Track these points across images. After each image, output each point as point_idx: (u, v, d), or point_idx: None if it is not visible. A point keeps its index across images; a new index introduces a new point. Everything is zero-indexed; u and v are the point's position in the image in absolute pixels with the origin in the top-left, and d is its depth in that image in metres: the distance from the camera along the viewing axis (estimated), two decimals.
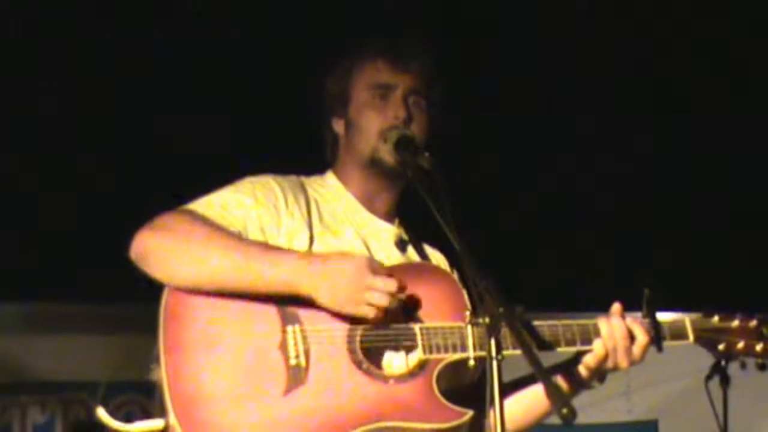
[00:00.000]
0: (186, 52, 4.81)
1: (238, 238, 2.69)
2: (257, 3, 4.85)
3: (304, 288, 2.62)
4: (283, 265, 2.63)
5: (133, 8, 4.70)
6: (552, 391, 2.34)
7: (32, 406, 5.23)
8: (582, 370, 2.81)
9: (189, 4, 4.81)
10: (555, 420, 2.39)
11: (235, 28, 4.87)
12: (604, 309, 2.83)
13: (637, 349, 2.77)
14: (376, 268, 2.65)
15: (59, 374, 5.24)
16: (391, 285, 2.63)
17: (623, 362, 2.77)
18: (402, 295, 2.66)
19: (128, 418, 2.72)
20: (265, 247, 2.70)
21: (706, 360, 4.76)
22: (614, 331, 2.76)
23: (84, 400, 5.19)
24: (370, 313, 2.62)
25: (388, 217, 2.97)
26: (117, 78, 4.79)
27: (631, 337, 2.77)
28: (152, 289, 2.67)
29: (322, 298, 2.62)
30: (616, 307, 2.82)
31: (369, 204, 2.95)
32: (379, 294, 2.61)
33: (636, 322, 2.80)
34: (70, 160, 4.91)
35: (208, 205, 2.77)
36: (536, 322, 2.76)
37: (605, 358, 2.77)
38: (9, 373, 5.20)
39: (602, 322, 2.77)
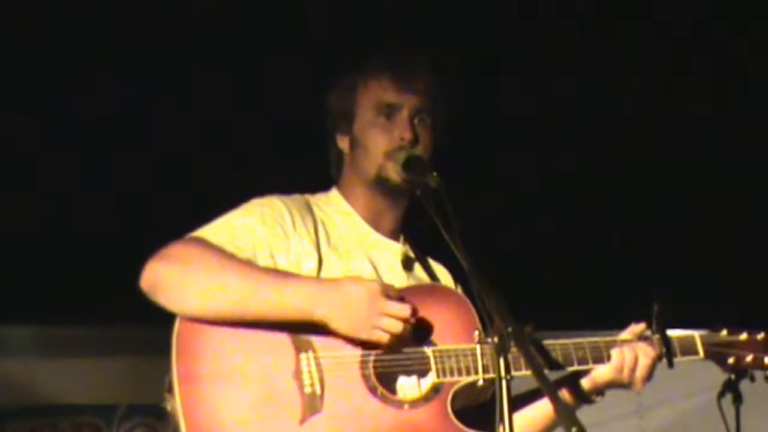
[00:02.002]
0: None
1: (249, 265, 2.68)
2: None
3: (318, 314, 2.61)
4: (296, 292, 2.62)
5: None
6: (562, 411, 2.34)
7: (44, 429, 5.23)
8: (585, 384, 2.81)
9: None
10: None
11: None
12: (609, 327, 2.84)
13: (640, 372, 2.79)
14: (388, 292, 2.65)
15: (71, 397, 5.24)
16: (405, 311, 2.63)
17: (631, 383, 2.79)
18: (414, 319, 2.65)
19: None
20: (276, 274, 2.69)
21: (718, 378, 4.75)
22: (624, 357, 2.78)
23: (96, 423, 5.19)
24: (384, 338, 2.62)
25: (394, 235, 2.96)
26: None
27: (638, 360, 2.79)
28: (165, 312, 2.67)
29: (335, 324, 2.61)
30: (634, 328, 2.85)
31: (375, 222, 2.94)
32: (392, 320, 2.61)
33: (645, 343, 2.81)
34: (86, 181, 4.92)
35: (217, 231, 2.76)
36: (547, 341, 2.76)
37: (613, 378, 2.79)
38: (21, 396, 5.21)
39: (614, 349, 2.79)
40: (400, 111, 2.89)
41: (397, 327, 2.61)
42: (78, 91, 4.70)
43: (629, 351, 2.79)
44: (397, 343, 2.64)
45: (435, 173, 2.76)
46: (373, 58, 2.97)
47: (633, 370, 2.78)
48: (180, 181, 4.91)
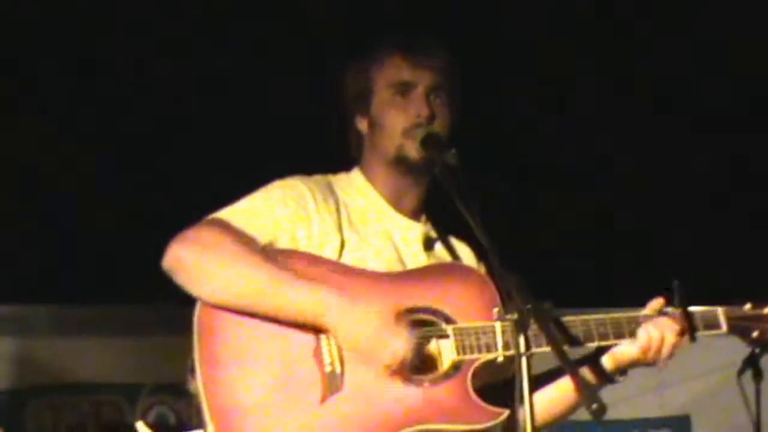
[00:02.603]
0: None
1: (264, 261, 2.67)
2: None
3: (326, 324, 2.62)
4: (310, 295, 2.63)
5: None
6: (582, 388, 2.35)
7: (65, 408, 5.26)
8: (607, 363, 2.80)
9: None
10: (586, 416, 2.38)
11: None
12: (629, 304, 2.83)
13: (665, 350, 2.77)
14: (399, 319, 2.64)
15: (92, 376, 5.25)
16: (406, 351, 2.60)
17: (655, 361, 2.78)
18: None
19: (160, 419, 2.73)
20: (291, 275, 2.67)
21: (739, 354, 4.75)
22: (651, 336, 2.76)
23: (116, 402, 5.21)
24: (382, 369, 2.61)
25: (415, 215, 2.95)
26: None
27: (664, 338, 2.77)
28: (183, 292, 2.68)
29: (340, 338, 2.62)
30: (654, 303, 2.83)
31: (396, 202, 2.93)
32: (391, 355, 2.59)
33: (668, 319, 2.80)
34: (104, 162, 4.93)
35: (238, 213, 2.76)
36: (568, 318, 2.76)
37: (639, 358, 2.78)
38: (42, 374, 5.23)
39: (641, 329, 2.77)
40: (415, 88, 2.89)
41: (396, 361, 2.60)
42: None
43: (655, 329, 2.77)
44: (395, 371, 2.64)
45: (453, 150, 2.76)
46: (387, 39, 2.97)
47: (659, 349, 2.77)
48: (201, 161, 4.92)
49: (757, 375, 4.89)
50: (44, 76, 4.82)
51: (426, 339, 2.68)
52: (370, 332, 2.60)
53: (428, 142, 2.82)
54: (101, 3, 4.74)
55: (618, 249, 5.50)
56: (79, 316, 5.26)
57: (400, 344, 2.59)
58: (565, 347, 2.58)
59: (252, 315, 2.64)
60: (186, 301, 2.67)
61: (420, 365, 2.66)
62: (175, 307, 2.68)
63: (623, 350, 2.79)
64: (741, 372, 4.86)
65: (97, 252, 4.95)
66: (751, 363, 4.81)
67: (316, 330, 2.64)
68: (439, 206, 2.89)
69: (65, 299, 5.11)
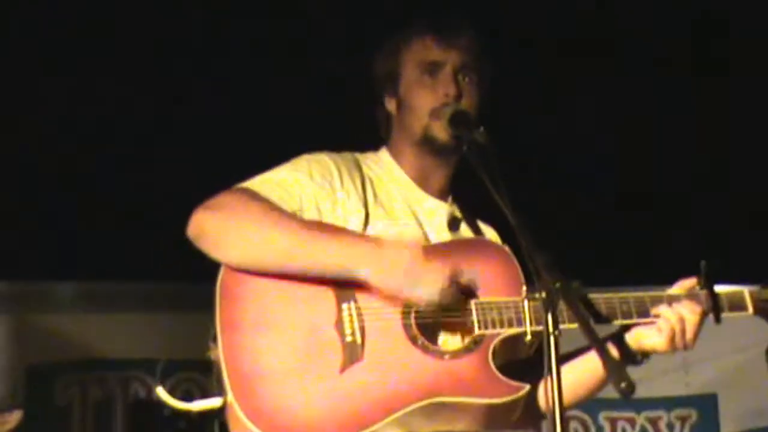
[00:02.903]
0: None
1: (293, 218, 2.70)
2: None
3: (359, 274, 2.63)
4: (338, 250, 2.64)
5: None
6: (611, 366, 2.33)
7: (92, 384, 5.28)
8: (631, 343, 2.80)
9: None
10: (614, 394, 2.38)
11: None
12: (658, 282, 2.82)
13: (689, 332, 2.76)
14: (431, 255, 2.65)
15: (119, 352, 5.28)
16: (445, 275, 2.63)
17: (681, 346, 2.77)
18: (454, 281, 2.65)
19: (186, 396, 2.74)
20: (321, 229, 2.70)
21: (766, 332, 4.73)
22: (670, 322, 2.75)
23: (143, 378, 5.24)
24: (420, 302, 2.63)
25: (442, 195, 2.96)
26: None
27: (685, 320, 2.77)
28: (210, 268, 2.69)
29: (377, 283, 2.63)
30: (685, 282, 2.83)
31: (422, 182, 2.94)
32: (432, 287, 2.62)
33: (689, 300, 2.79)
34: (124, 139, 4.95)
35: (264, 183, 2.78)
36: (592, 296, 2.76)
37: (667, 350, 2.77)
38: (68, 351, 5.26)
39: (661, 321, 2.76)
40: (443, 68, 2.90)
41: (434, 294, 2.62)
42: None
43: (674, 315, 2.76)
44: (436, 306, 2.65)
45: (482, 128, 2.75)
46: (416, 20, 2.98)
47: (683, 333, 2.76)
48: (225, 138, 4.93)
49: None
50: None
51: (446, 313, 2.69)
52: (404, 268, 2.61)
53: (456, 119, 2.82)
54: (101, 3, 4.75)
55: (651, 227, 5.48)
56: (106, 292, 5.29)
57: (434, 287, 2.61)
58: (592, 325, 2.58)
59: (278, 276, 2.66)
60: (213, 277, 2.68)
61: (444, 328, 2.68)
62: (203, 283, 2.70)
63: (650, 340, 2.78)
64: None
65: (125, 228, 4.96)
66: None
67: (339, 299, 2.66)
68: (467, 188, 2.89)
69: (92, 275, 5.14)
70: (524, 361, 2.73)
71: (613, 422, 5.66)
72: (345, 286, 2.67)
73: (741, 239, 5.31)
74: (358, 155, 2.97)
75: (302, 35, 4.87)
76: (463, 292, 2.70)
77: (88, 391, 5.29)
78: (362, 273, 2.63)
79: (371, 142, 3.02)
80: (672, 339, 2.75)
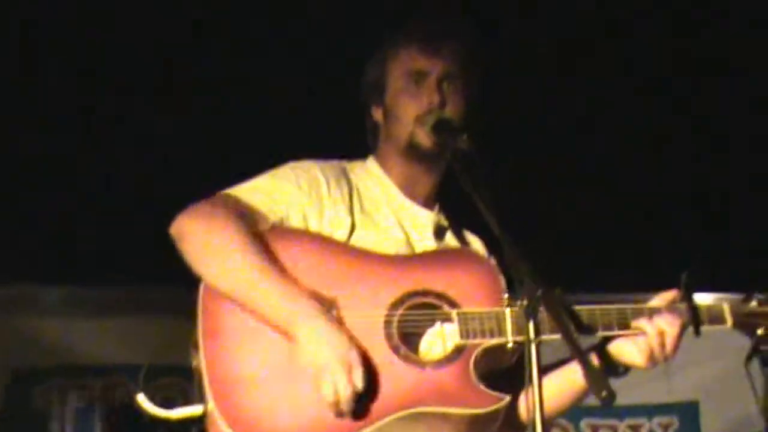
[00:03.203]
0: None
1: (261, 253, 2.66)
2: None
3: (299, 334, 2.58)
4: (292, 304, 2.60)
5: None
6: (591, 374, 2.34)
7: (72, 390, 5.27)
8: (612, 356, 2.80)
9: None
10: (595, 401, 2.38)
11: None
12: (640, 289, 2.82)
13: (669, 346, 2.77)
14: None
15: (100, 358, 5.27)
16: (347, 389, 2.55)
17: (661, 359, 2.78)
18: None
19: (168, 402, 2.73)
20: (282, 278, 2.64)
21: (747, 340, 4.73)
22: (649, 340, 2.76)
23: (125, 384, 5.22)
24: (328, 396, 2.55)
25: (428, 204, 2.97)
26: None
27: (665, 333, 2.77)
28: (189, 273, 2.69)
29: (300, 353, 2.58)
30: (666, 295, 2.84)
31: (409, 190, 2.95)
32: (343, 387, 2.54)
33: (668, 313, 2.80)
34: (110, 143, 4.94)
35: (250, 191, 2.78)
36: (573, 307, 2.75)
37: (648, 367, 2.78)
38: (49, 356, 5.24)
39: (639, 339, 2.77)
40: (428, 77, 2.91)
41: (329, 398, 2.54)
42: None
43: (653, 329, 2.76)
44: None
45: (465, 135, 2.76)
46: (403, 29, 3.00)
47: (662, 347, 2.77)
48: (212, 145, 4.92)
49: (765, 361, 4.88)
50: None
51: (427, 324, 2.70)
52: (323, 364, 2.55)
53: (439, 126, 2.84)
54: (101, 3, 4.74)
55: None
56: (88, 297, 5.27)
57: (344, 382, 2.54)
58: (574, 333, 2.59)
59: None
60: (196, 282, 2.68)
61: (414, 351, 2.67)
62: (185, 288, 2.69)
63: (630, 355, 2.78)
64: (749, 358, 4.85)
65: (108, 233, 4.95)
66: (758, 349, 4.79)
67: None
68: (455, 198, 2.89)
69: (75, 280, 5.12)
70: (506, 371, 2.73)
71: (594, 429, 5.67)
72: (326, 293, 2.66)
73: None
74: (346, 163, 2.98)
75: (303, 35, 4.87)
76: (443, 298, 2.71)
77: (68, 396, 5.26)
78: (296, 331, 2.58)
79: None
80: (651, 356, 2.76)
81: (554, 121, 5.27)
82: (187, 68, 4.87)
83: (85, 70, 4.81)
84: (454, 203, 2.94)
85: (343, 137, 3.06)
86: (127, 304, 5.24)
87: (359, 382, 2.54)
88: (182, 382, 4.86)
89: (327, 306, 2.65)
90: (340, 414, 2.54)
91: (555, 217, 5.25)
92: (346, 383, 2.53)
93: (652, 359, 2.77)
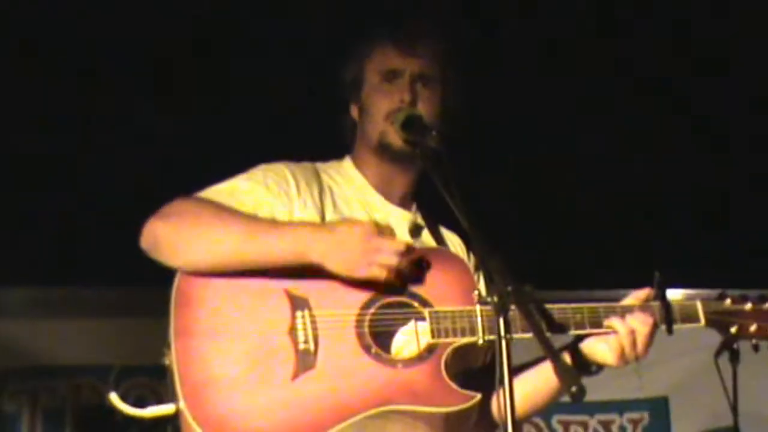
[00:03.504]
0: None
1: (244, 214, 2.69)
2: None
3: (314, 255, 2.62)
4: (292, 234, 2.64)
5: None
6: (561, 369, 2.34)
7: (42, 392, 5.23)
8: (584, 354, 2.81)
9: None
10: (566, 398, 2.39)
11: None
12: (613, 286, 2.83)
13: (640, 345, 2.78)
14: (382, 230, 2.65)
15: (69, 359, 5.23)
16: (399, 245, 2.63)
17: (632, 358, 2.79)
18: (409, 259, 2.65)
19: (139, 402, 2.72)
20: (272, 221, 2.71)
21: (717, 336, 4.76)
22: (620, 338, 2.77)
23: (95, 385, 5.19)
24: (381, 274, 2.61)
25: (404, 203, 2.98)
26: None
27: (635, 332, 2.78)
28: (162, 273, 2.68)
29: (331, 265, 2.62)
30: (640, 293, 2.85)
31: (384, 190, 2.96)
32: (387, 254, 2.61)
33: (641, 312, 2.80)
34: (72, 146, 4.91)
35: (218, 193, 2.78)
36: (545, 305, 2.76)
37: (619, 365, 2.79)
38: (18, 357, 5.20)
39: (611, 338, 2.77)
40: (401, 75, 2.92)
41: (392, 261, 2.61)
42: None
43: (625, 328, 2.77)
44: (394, 283, 2.65)
45: (435, 133, 2.76)
46: (380, 28, 3.00)
47: (633, 346, 2.77)
48: (179, 147, 4.90)
49: (734, 357, 4.91)
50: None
51: (399, 323, 2.70)
52: (357, 244, 2.60)
53: (408, 123, 2.84)
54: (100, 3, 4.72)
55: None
56: (56, 298, 5.23)
57: (389, 250, 2.61)
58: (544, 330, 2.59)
59: (233, 283, 2.65)
60: (165, 282, 2.67)
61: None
62: (154, 288, 2.68)
63: (601, 354, 2.79)
64: (718, 354, 4.88)
65: (74, 232, 4.92)
66: (727, 345, 4.82)
67: (293, 307, 2.65)
68: (435, 197, 2.89)
69: (42, 280, 5.08)
70: (479, 371, 2.74)
71: (566, 426, 5.70)
72: (299, 292, 2.66)
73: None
74: (318, 164, 2.98)
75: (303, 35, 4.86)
76: (416, 297, 2.71)
77: (38, 399, 5.23)
78: (315, 255, 2.62)
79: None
80: (622, 354, 2.77)
81: (552, 121, 5.28)
82: (187, 68, 4.85)
83: (83, 69, 4.78)
84: (434, 202, 2.93)
85: (342, 138, 3.05)
86: (92, 305, 5.20)
87: (398, 245, 2.62)
88: (153, 382, 4.85)
89: (299, 305, 2.64)
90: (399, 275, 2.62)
91: (556, 215, 5.27)
92: (387, 258, 2.59)
93: (623, 358, 2.77)
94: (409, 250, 2.65)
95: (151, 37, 4.74)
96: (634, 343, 2.77)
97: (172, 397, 2.60)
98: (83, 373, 5.19)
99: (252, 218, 2.69)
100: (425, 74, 2.93)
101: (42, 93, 4.73)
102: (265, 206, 2.77)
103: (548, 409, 2.92)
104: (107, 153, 4.91)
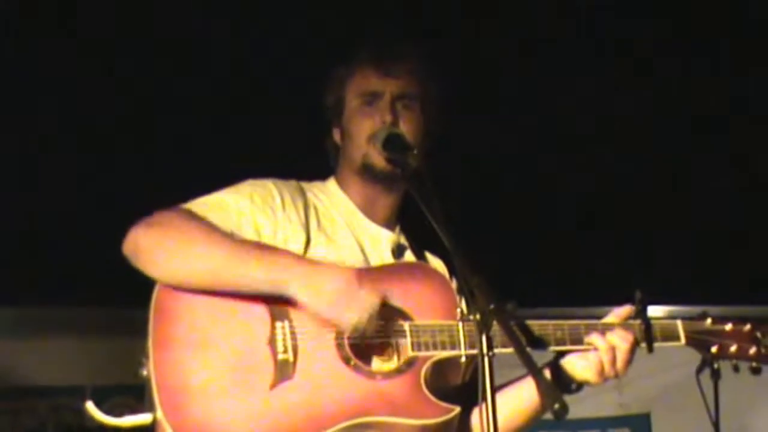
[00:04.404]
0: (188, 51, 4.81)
1: (227, 235, 2.69)
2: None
3: (290, 290, 2.62)
4: (272, 265, 2.63)
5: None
6: (544, 387, 2.35)
7: (23, 412, 5.21)
8: (565, 371, 2.81)
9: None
10: (547, 415, 2.39)
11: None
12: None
13: (620, 359, 2.78)
14: (363, 281, 2.64)
15: (49, 379, 5.22)
16: (375, 301, 2.62)
17: (612, 375, 2.79)
18: (391, 301, 2.66)
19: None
20: (256, 245, 2.70)
21: (697, 353, 4.77)
22: (600, 355, 2.77)
23: (74, 405, 5.17)
24: (350, 323, 2.61)
25: (388, 225, 2.99)
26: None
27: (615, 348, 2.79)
28: (141, 293, 2.67)
29: (304, 302, 2.62)
30: (621, 311, 2.85)
31: (369, 211, 2.97)
32: (360, 309, 2.60)
33: (621, 329, 2.81)
34: (54, 164, 4.89)
35: (203, 205, 2.78)
36: (526, 322, 2.76)
37: (599, 382, 2.79)
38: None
39: (591, 354, 2.78)
40: (382, 97, 2.94)
41: (363, 316, 2.61)
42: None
43: (605, 344, 2.77)
44: (361, 334, 2.65)
45: (416, 152, 2.78)
46: (359, 51, 3.02)
47: (613, 363, 2.78)
48: (157, 165, 4.89)
49: (715, 373, 4.91)
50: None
51: (379, 336, 2.69)
52: (336, 292, 2.60)
53: (390, 142, 2.85)
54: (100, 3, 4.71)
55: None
56: (37, 319, 5.22)
57: (365, 304, 2.60)
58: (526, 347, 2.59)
59: (213, 294, 2.64)
60: (145, 303, 2.66)
61: (378, 351, 2.68)
62: (135, 308, 2.67)
63: (581, 371, 2.80)
64: (699, 370, 4.88)
65: (53, 253, 4.90)
66: (709, 362, 4.82)
67: (273, 318, 2.65)
68: (419, 219, 2.90)
69: (23, 301, 5.06)
70: (460, 387, 2.74)
71: None
72: (279, 303, 2.66)
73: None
74: (304, 183, 2.99)
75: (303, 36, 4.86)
76: (396, 311, 2.71)
77: (19, 419, 5.21)
78: (292, 290, 2.62)
79: None
80: (601, 372, 2.78)
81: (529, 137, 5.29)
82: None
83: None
84: (418, 225, 2.94)
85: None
86: (71, 325, 5.19)
87: (375, 298, 2.60)
88: (132, 401, 4.82)
89: (279, 317, 2.65)
90: (365, 335, 2.61)
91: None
92: (363, 305, 2.58)
93: (602, 374, 2.78)
94: (384, 304, 2.64)
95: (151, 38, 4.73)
96: (613, 360, 2.78)
97: (150, 407, 2.59)
98: (63, 393, 5.18)
99: (235, 242, 2.68)
100: (405, 94, 2.94)
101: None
102: (250, 220, 2.78)
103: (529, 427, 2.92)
104: (83, 173, 4.90)
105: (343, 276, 2.63)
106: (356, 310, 2.61)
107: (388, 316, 2.70)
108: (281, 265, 2.63)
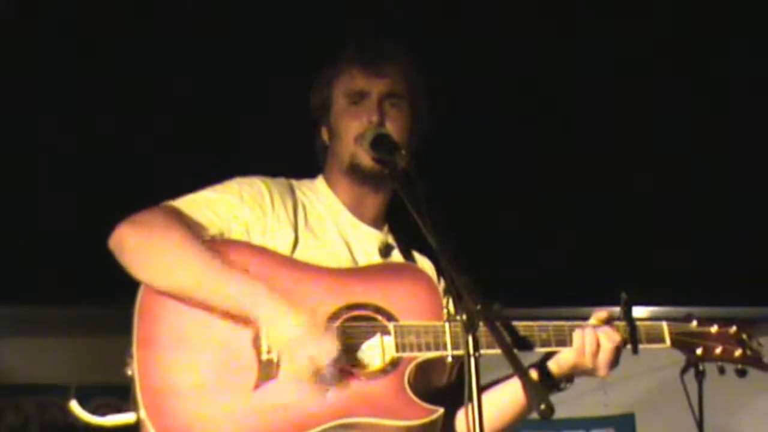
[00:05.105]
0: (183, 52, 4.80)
1: (207, 250, 2.67)
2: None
3: (255, 314, 2.61)
4: (245, 289, 2.63)
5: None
6: (530, 387, 2.36)
7: (8, 410, 5.20)
8: (552, 369, 2.82)
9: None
10: (533, 415, 2.39)
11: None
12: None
13: (602, 356, 2.79)
14: (330, 329, 2.64)
15: (34, 377, 5.20)
16: (333, 351, 2.60)
17: (594, 368, 2.80)
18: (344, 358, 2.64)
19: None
20: (230, 268, 2.67)
21: (682, 354, 4.79)
22: (585, 340, 2.78)
23: (59, 403, 5.15)
24: (302, 363, 2.59)
25: (376, 224, 2.99)
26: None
27: (600, 344, 2.79)
28: (127, 292, 2.68)
29: (265, 331, 2.61)
30: (600, 313, 2.85)
31: (357, 210, 2.97)
32: (317, 355, 2.58)
33: (609, 328, 2.82)
34: (33, 161, 4.88)
35: (192, 202, 2.78)
36: (512, 323, 2.77)
37: (576, 362, 2.79)
38: None
39: (576, 332, 2.79)
40: (369, 97, 2.94)
41: (320, 362, 2.58)
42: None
43: (590, 335, 2.79)
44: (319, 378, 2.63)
45: (403, 152, 2.78)
46: (346, 50, 3.02)
47: (595, 354, 2.78)
48: (144, 167, 4.88)
49: (700, 374, 4.92)
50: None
51: (364, 336, 2.70)
52: (295, 337, 2.59)
53: (377, 142, 2.86)
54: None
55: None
56: (19, 317, 5.20)
57: (322, 350, 2.58)
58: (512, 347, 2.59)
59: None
60: (131, 301, 2.66)
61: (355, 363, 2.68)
62: (121, 307, 2.67)
63: (564, 356, 2.81)
64: (684, 371, 4.89)
65: (38, 251, 4.89)
66: (693, 363, 4.83)
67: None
68: (408, 222, 2.90)
69: (7, 299, 5.04)
70: (444, 387, 2.75)
71: None
72: None
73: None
74: (293, 181, 3.00)
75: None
76: (381, 311, 2.72)
77: (3, 417, 5.20)
78: (256, 315, 2.61)
79: None
80: (581, 353, 2.78)
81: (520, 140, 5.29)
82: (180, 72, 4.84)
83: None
84: (407, 227, 2.94)
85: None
86: (57, 324, 5.17)
87: (334, 345, 2.57)
88: (116, 401, 4.81)
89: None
90: (323, 381, 2.57)
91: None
92: (320, 350, 2.56)
93: (583, 356, 2.78)
94: (339, 359, 2.61)
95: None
96: (596, 353, 2.78)
97: (133, 407, 2.60)
98: (48, 391, 5.16)
99: (213, 258, 2.66)
100: (392, 93, 2.95)
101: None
102: (239, 218, 2.79)
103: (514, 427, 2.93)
104: (66, 171, 4.89)
105: (310, 320, 2.61)
106: (313, 353, 2.58)
107: (373, 315, 2.71)
108: (253, 291, 2.63)
